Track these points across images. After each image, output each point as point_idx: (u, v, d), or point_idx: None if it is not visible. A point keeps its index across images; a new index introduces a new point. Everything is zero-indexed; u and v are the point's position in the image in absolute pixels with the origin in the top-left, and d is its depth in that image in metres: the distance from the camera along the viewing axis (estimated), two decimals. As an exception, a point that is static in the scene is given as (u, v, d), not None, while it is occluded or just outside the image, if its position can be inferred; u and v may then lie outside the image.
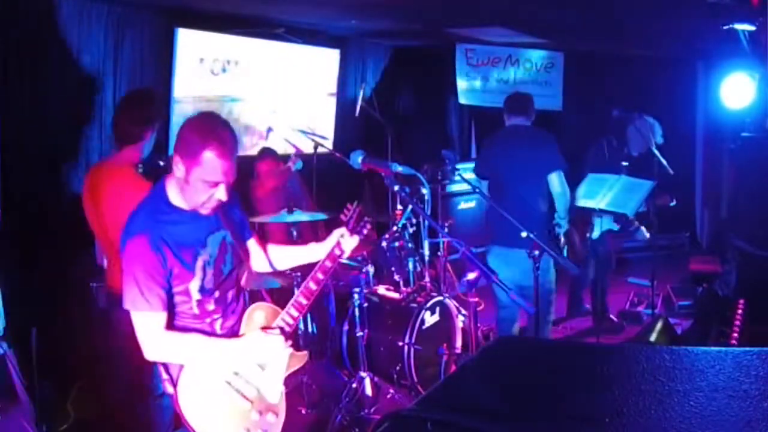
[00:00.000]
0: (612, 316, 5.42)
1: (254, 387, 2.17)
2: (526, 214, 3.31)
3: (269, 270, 2.55)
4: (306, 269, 2.60)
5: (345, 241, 2.37)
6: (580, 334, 5.08)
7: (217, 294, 2.17)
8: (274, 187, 4.53)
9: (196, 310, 2.13)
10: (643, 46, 6.28)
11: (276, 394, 2.22)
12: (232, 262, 2.25)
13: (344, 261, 3.51)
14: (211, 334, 2.17)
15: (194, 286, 2.10)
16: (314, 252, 2.43)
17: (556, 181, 3.94)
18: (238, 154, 2.11)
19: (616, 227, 5.21)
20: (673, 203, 5.22)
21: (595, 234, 5.22)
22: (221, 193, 2.03)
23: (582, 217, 5.20)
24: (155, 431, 2.87)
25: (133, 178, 2.76)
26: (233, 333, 2.23)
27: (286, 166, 4.58)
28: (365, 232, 2.44)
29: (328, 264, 2.35)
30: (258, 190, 4.51)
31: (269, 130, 5.00)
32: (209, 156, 1.96)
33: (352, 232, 2.41)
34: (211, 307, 2.16)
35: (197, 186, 2.01)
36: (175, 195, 2.09)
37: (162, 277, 2.02)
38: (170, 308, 2.08)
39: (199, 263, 2.10)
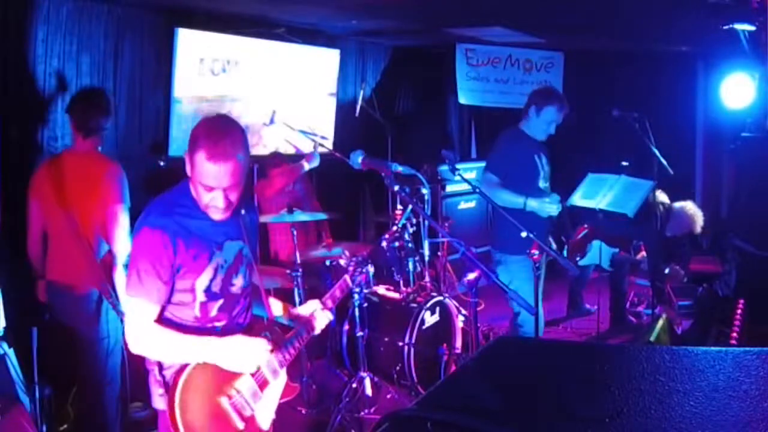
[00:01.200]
0: (631, 317, 5.43)
1: (251, 409, 2.10)
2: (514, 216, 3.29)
3: None
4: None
5: (318, 316, 2.38)
6: (600, 337, 5.05)
7: (222, 302, 2.13)
8: (282, 188, 4.53)
9: (197, 312, 2.09)
10: (643, 46, 6.28)
11: (268, 421, 2.18)
12: (245, 276, 2.22)
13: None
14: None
15: (201, 284, 2.06)
16: (288, 317, 2.42)
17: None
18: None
19: (609, 268, 5.29)
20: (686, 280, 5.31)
21: (583, 261, 5.21)
22: (218, 200, 2.01)
23: (584, 241, 5.20)
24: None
25: (102, 159, 3.13)
26: None
27: (300, 163, 4.57)
28: (358, 280, 2.48)
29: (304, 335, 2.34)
30: (267, 190, 4.52)
31: (272, 117, 4.95)
32: (200, 159, 1.94)
33: (350, 276, 2.43)
34: (213, 313, 2.12)
35: (198, 187, 2.01)
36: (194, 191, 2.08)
37: (166, 271, 1.99)
38: (172, 306, 2.06)
39: (213, 264, 2.08)
